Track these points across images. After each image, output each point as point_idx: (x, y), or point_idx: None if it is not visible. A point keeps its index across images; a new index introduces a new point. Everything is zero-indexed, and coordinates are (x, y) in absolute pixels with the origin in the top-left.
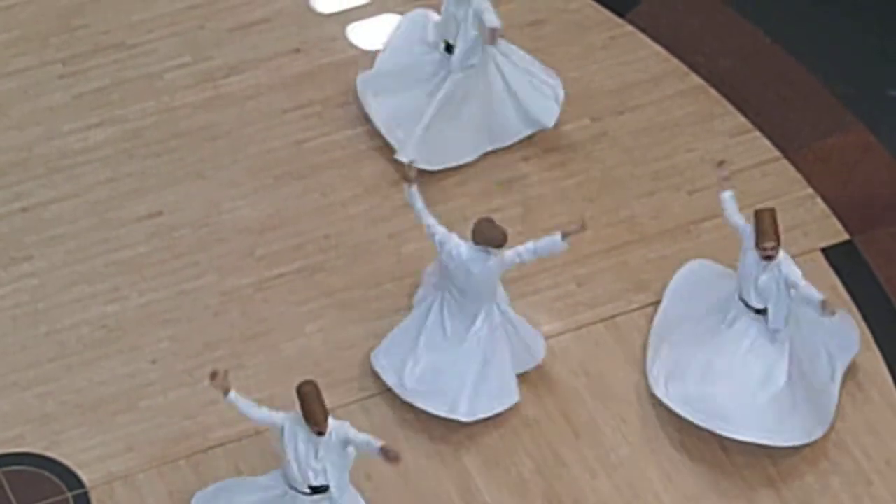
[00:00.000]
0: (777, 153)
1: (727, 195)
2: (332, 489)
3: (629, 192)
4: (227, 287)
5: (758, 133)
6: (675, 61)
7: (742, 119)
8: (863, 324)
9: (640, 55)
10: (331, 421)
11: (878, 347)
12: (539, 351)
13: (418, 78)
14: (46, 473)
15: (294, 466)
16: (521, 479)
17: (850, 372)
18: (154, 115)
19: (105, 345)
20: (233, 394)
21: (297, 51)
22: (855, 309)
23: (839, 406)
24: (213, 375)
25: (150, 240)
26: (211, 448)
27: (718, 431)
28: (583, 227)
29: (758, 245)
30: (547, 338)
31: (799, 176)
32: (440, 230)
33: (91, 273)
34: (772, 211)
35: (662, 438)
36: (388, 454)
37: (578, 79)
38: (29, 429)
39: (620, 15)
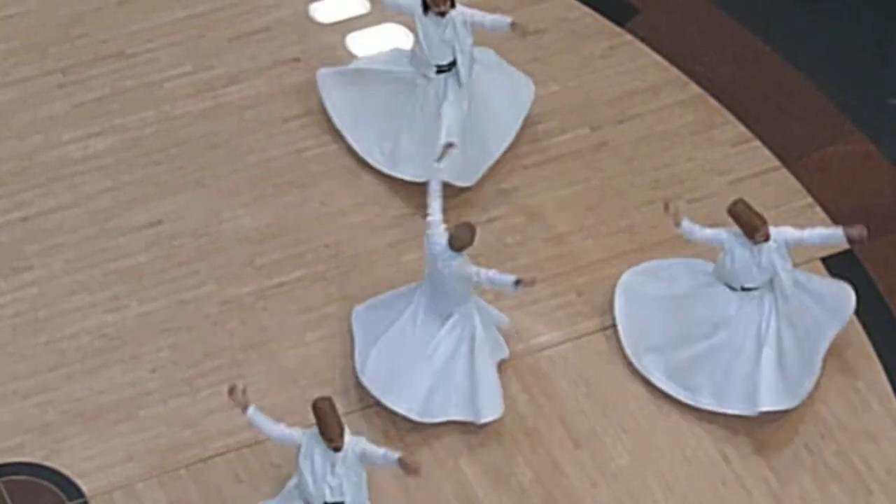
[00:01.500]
0: (777, 162)
1: (685, 224)
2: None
3: (629, 201)
4: (227, 296)
5: (757, 142)
6: (674, 70)
7: (742, 128)
8: (862, 332)
9: (639, 64)
10: (347, 436)
11: (878, 356)
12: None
13: (385, 85)
14: (46, 483)
15: (310, 482)
16: (521, 488)
17: (849, 380)
18: (154, 124)
19: (105, 354)
20: (252, 409)
21: (297, 60)
22: (855, 317)
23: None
24: (232, 391)
25: (149, 249)
26: (211, 457)
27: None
28: (533, 283)
29: (752, 237)
30: (546, 347)
31: (799, 185)
32: (436, 215)
33: (91, 282)
34: (742, 201)
35: (662, 447)
36: (407, 466)
37: (578, 88)
38: (29, 438)
39: (620, 24)
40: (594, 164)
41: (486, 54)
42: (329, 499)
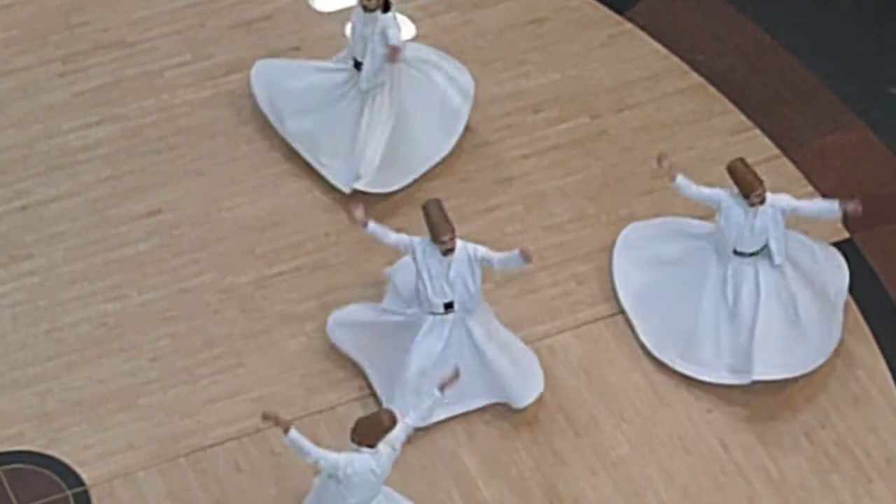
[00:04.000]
0: (777, 151)
1: (680, 180)
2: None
3: (629, 189)
4: (227, 285)
5: (757, 131)
6: (674, 59)
7: (742, 117)
8: (863, 321)
9: (639, 53)
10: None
11: (879, 345)
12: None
13: (328, 99)
14: (46, 471)
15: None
16: (522, 478)
17: (850, 369)
18: (154, 112)
19: (105, 343)
20: (293, 432)
21: (297, 49)
22: (855, 307)
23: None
24: (266, 417)
25: (149, 238)
26: (211, 446)
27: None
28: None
29: (748, 196)
30: (546, 336)
31: (799, 174)
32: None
33: (91, 271)
34: (742, 160)
35: (663, 437)
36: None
37: (578, 77)
38: (29, 426)
39: (620, 13)
40: (594, 153)
41: (422, 52)
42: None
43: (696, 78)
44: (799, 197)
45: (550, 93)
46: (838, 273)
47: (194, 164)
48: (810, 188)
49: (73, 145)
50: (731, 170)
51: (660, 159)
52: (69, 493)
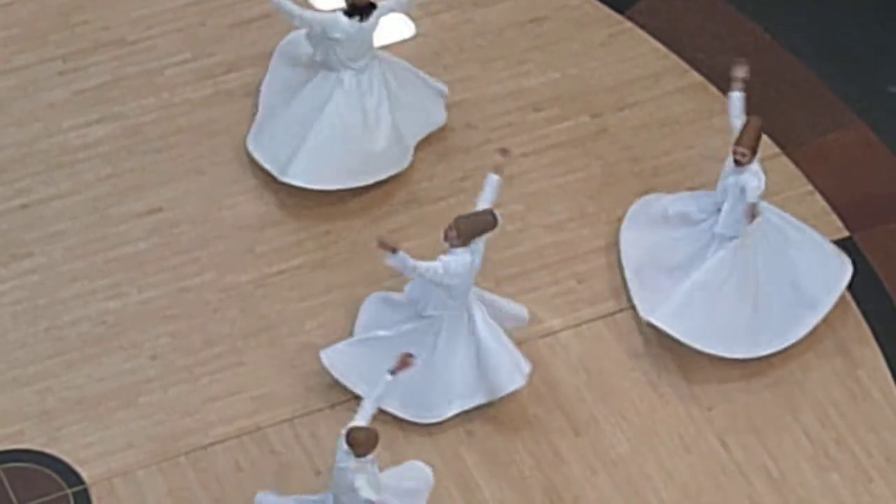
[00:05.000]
0: (777, 150)
1: (736, 95)
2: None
3: (629, 188)
4: (227, 283)
5: None
6: (674, 58)
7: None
8: (863, 321)
9: (639, 52)
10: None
11: (879, 344)
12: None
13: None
14: (46, 470)
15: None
16: (521, 476)
17: (850, 368)
18: (154, 111)
19: (105, 341)
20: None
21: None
22: (855, 306)
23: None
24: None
25: (150, 236)
26: (211, 445)
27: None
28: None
29: (734, 145)
30: (546, 335)
31: (799, 173)
32: (436, 266)
33: (91, 269)
34: (758, 121)
35: (662, 435)
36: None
37: (578, 76)
38: (28, 425)
39: (620, 12)
40: (594, 152)
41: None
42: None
43: (696, 77)
44: (799, 196)
45: (551, 91)
46: (831, 277)
47: (194, 163)
48: (810, 187)
49: (74, 144)
50: (747, 121)
51: (739, 68)
52: (69, 491)
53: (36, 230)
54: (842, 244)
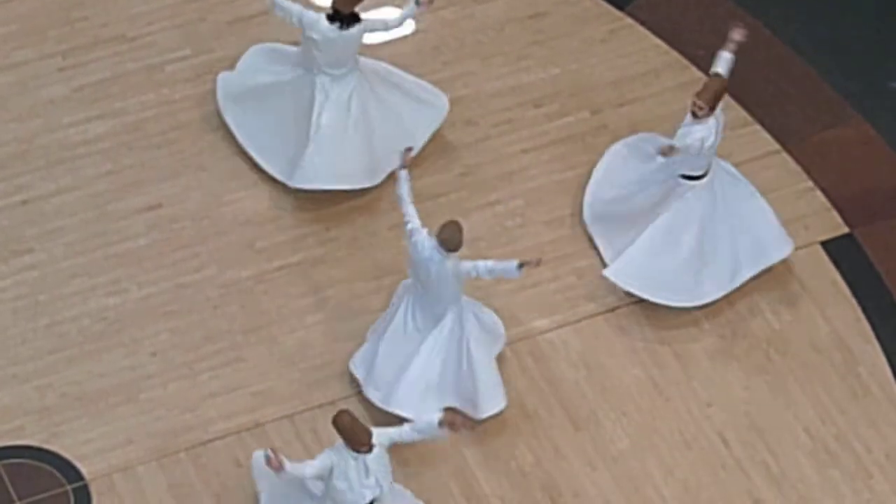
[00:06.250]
0: (777, 146)
1: (725, 54)
2: (384, 491)
3: None
4: (227, 279)
5: (758, 126)
6: (674, 54)
7: (742, 112)
8: (863, 316)
9: (639, 48)
10: (373, 432)
11: (878, 341)
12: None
13: (282, 99)
14: (46, 466)
15: (349, 495)
16: (521, 472)
17: (850, 364)
18: (154, 107)
19: (105, 337)
20: (288, 465)
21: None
22: (855, 302)
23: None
24: (269, 461)
25: (150, 232)
26: (211, 441)
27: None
28: (538, 263)
29: (694, 95)
30: (547, 331)
31: (799, 169)
32: (414, 221)
33: (91, 265)
34: (724, 82)
35: (662, 431)
36: (453, 424)
37: (578, 71)
38: (29, 421)
39: (620, 8)
40: (594, 148)
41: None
42: (369, 498)
43: (696, 73)
44: (799, 192)
45: (551, 87)
46: (781, 241)
47: (194, 159)
48: (810, 182)
49: (74, 140)
50: (713, 79)
51: (736, 30)
52: (69, 487)
53: (36, 226)
54: (842, 240)
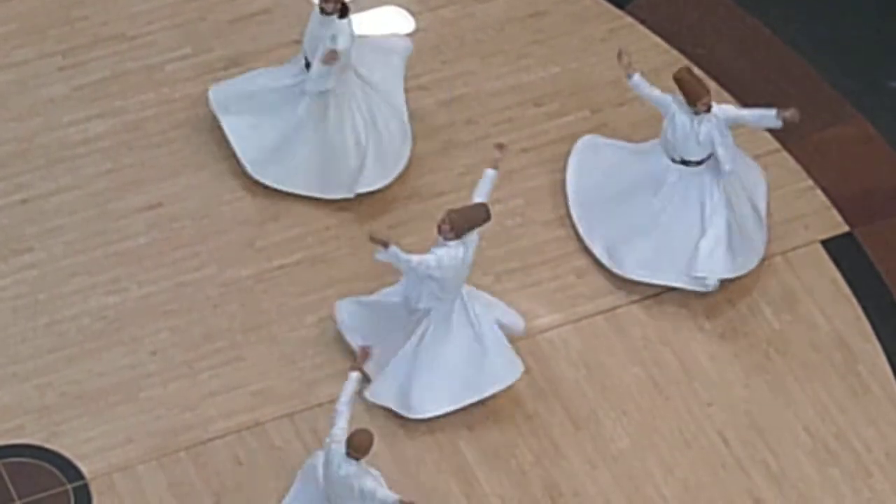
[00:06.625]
0: (777, 145)
1: (636, 79)
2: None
3: None
4: (227, 278)
5: None
6: (674, 53)
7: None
8: (863, 315)
9: (639, 47)
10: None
11: (879, 339)
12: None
13: (275, 103)
14: (46, 465)
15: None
16: (521, 471)
17: (850, 363)
18: (154, 106)
19: (105, 336)
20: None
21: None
22: (855, 301)
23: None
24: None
25: (149, 231)
26: (211, 440)
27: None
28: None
29: (695, 104)
30: (547, 330)
31: (799, 167)
32: (428, 259)
33: (91, 264)
34: (687, 69)
35: (662, 430)
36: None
37: (578, 70)
38: (29, 420)
39: (620, 7)
40: None
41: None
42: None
43: (696, 72)
44: (799, 191)
45: (551, 87)
46: (761, 184)
47: (194, 158)
48: (810, 181)
49: (74, 139)
50: (677, 79)
51: (620, 55)
52: (69, 486)
53: (36, 225)
54: (842, 239)
